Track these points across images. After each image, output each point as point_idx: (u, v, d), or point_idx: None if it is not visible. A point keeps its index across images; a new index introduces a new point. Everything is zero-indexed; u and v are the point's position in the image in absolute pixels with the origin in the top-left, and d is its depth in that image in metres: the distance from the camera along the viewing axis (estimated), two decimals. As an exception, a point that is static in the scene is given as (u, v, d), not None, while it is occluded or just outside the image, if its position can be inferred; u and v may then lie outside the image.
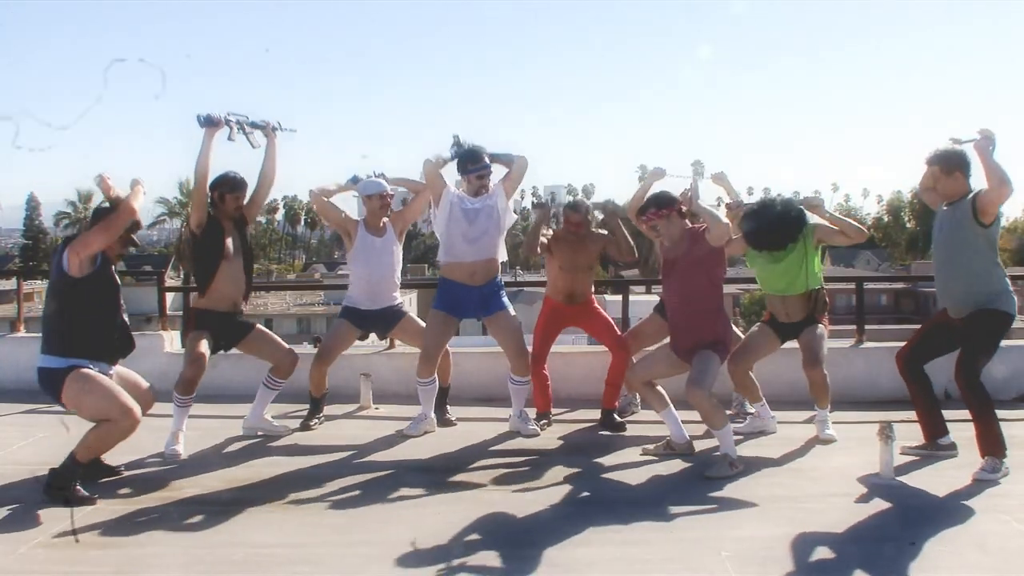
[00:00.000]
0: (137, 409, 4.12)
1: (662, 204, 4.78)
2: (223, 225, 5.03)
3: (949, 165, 4.45)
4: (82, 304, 4.12)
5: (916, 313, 47.84)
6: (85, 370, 4.11)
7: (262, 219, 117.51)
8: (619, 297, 7.21)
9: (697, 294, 4.68)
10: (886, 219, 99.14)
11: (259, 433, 5.38)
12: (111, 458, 4.52)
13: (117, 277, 4.32)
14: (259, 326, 5.39)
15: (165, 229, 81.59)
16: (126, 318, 4.39)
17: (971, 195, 4.39)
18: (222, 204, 5.04)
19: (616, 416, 5.60)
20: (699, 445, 4.94)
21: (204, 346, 5.04)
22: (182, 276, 35.64)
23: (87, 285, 4.11)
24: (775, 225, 4.86)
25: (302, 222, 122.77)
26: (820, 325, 5.12)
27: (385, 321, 5.70)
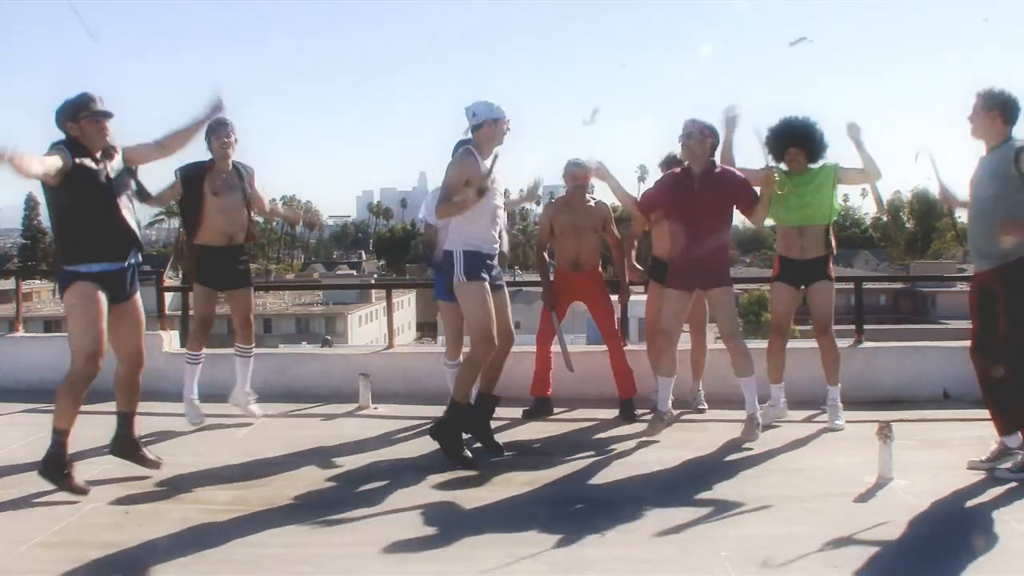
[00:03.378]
0: (101, 359, 4.13)
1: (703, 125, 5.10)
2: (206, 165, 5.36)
3: (989, 102, 4.26)
4: (70, 208, 4.11)
5: (915, 313, 47.92)
6: (88, 291, 4.11)
7: (259, 219, 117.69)
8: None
9: (716, 230, 5.04)
10: (885, 219, 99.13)
11: (242, 410, 5.68)
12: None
13: (105, 178, 4.16)
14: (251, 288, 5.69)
15: (164, 229, 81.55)
16: (128, 218, 4.25)
17: (1018, 147, 4.17)
18: (208, 147, 5.35)
19: (633, 407, 5.66)
20: (697, 447, 4.95)
21: (209, 304, 5.51)
22: (181, 276, 35.66)
23: (66, 190, 4.07)
24: (805, 126, 5.17)
25: (300, 222, 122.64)
26: (831, 281, 5.31)
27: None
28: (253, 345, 5.70)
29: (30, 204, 73.84)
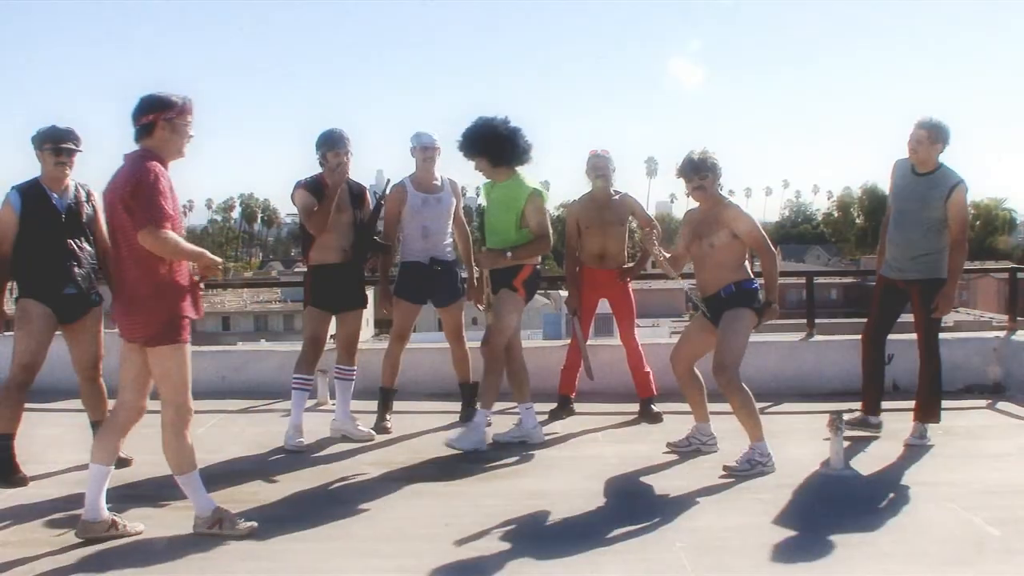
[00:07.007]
0: (36, 370, 4.30)
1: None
2: (325, 182, 5.01)
3: (935, 135, 4.82)
4: (21, 245, 4.34)
5: (865, 307, 48.83)
6: (33, 309, 4.29)
7: (218, 217, 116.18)
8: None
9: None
10: (836, 215, 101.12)
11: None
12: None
13: (67, 212, 4.37)
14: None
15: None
16: (82, 257, 4.41)
17: (952, 188, 4.76)
18: (325, 162, 5.05)
19: (652, 406, 5.60)
20: (652, 441, 5.01)
21: (322, 326, 5.18)
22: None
23: (24, 223, 4.32)
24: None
25: (259, 220, 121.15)
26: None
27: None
28: (355, 367, 5.33)
29: None
